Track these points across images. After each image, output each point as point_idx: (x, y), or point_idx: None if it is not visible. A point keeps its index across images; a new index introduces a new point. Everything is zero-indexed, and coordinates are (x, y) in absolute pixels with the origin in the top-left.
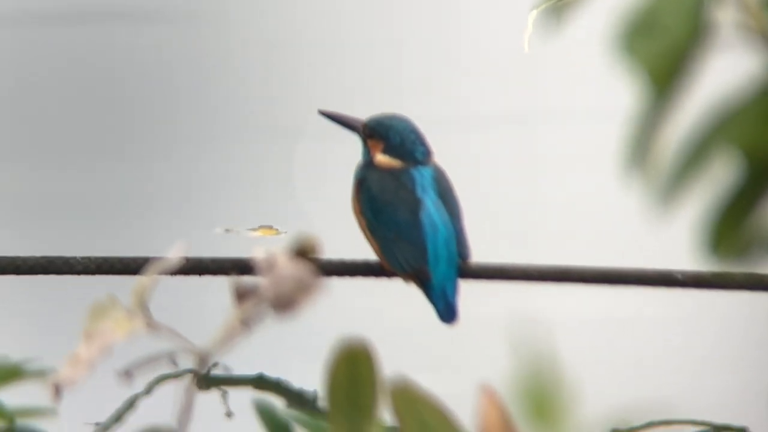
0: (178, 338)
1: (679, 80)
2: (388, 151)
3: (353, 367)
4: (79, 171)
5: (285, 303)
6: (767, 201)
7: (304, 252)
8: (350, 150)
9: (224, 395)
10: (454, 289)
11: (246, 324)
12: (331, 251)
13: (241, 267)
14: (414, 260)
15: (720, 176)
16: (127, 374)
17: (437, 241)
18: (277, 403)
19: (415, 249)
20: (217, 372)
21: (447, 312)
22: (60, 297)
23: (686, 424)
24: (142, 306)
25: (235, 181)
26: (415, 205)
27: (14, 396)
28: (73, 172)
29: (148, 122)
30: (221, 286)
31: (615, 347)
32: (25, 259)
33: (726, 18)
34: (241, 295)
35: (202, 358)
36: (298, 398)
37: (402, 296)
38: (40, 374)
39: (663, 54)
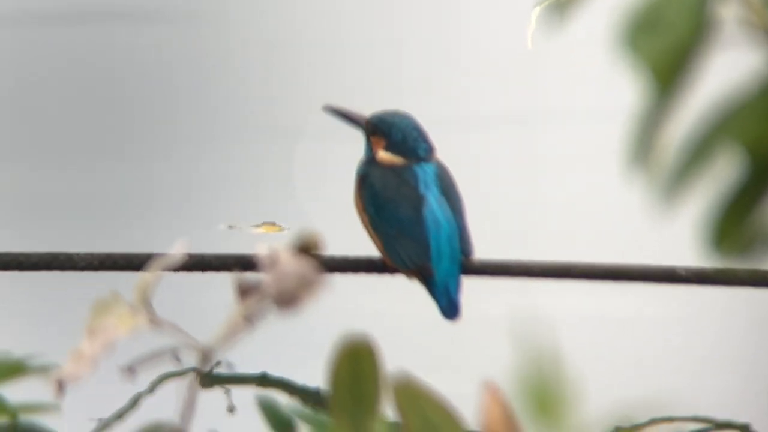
0: (181, 334)
1: (682, 77)
2: (390, 148)
3: (356, 363)
4: (80, 170)
5: (288, 299)
6: None
7: (306, 248)
8: (350, 150)
9: (227, 393)
10: (456, 286)
11: (249, 320)
12: (332, 249)
13: (244, 263)
14: (417, 257)
15: (723, 173)
16: (130, 370)
17: (440, 237)
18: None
19: (417, 245)
20: (220, 369)
21: (450, 308)
22: (63, 293)
23: (688, 421)
24: (145, 302)
25: (236, 180)
26: (418, 201)
27: (17, 392)
28: (74, 171)
29: (149, 121)
30: (224, 282)
31: (617, 345)
32: (28, 256)
33: (729, 15)
34: (244, 291)
35: (205, 354)
36: (301, 395)
37: (403, 295)
38: (43, 370)
39: (666, 51)
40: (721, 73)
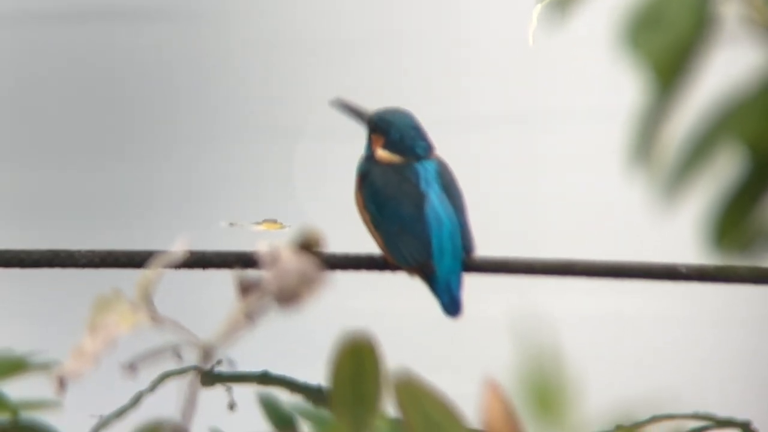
0: (182, 332)
1: (683, 74)
2: (388, 146)
3: (357, 360)
4: (81, 168)
5: (289, 296)
6: None
7: (307, 245)
8: (350, 149)
9: (229, 390)
10: (458, 283)
11: (250, 317)
12: (333, 247)
13: (245, 261)
14: (418, 254)
15: (724, 170)
16: (132, 367)
17: (442, 234)
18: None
19: (419, 242)
20: (221, 367)
21: (452, 305)
22: (64, 291)
23: (689, 419)
24: (147, 299)
25: (236, 178)
26: (420, 198)
27: (18, 389)
28: (76, 169)
29: (150, 120)
30: (225, 279)
31: (617, 342)
32: (29, 253)
33: (730, 12)
34: (245, 288)
35: (206, 351)
36: (303, 392)
37: (404, 293)
38: (44, 367)
39: (667, 48)
40: (723, 71)
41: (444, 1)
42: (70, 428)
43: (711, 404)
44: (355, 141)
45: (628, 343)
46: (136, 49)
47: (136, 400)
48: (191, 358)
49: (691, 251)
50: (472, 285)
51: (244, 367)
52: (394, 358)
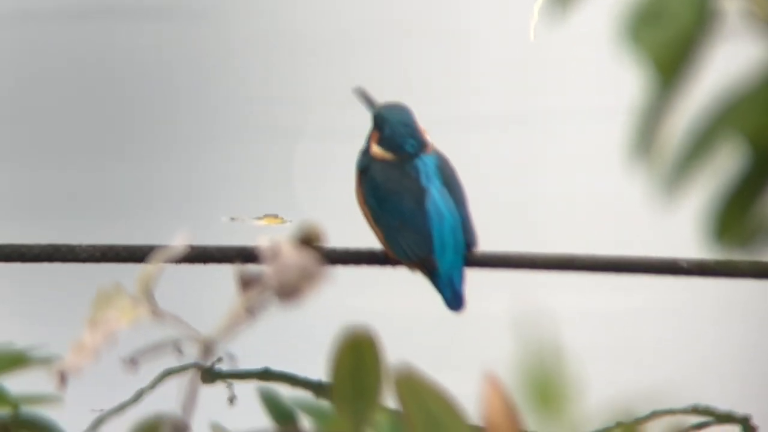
0: (182, 326)
1: (684, 69)
2: (381, 142)
3: (358, 354)
4: (83, 166)
5: (289, 291)
6: None
7: (308, 240)
8: (350, 147)
9: (230, 386)
10: (460, 278)
11: (250, 312)
12: (334, 242)
13: (246, 255)
14: (419, 248)
15: (725, 165)
16: (133, 362)
17: (443, 229)
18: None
19: (420, 237)
20: (222, 362)
21: (454, 300)
22: (65, 285)
23: (689, 414)
24: (147, 294)
25: (237, 174)
26: (420, 193)
27: (19, 383)
28: (77, 167)
29: (151, 117)
30: (226, 274)
31: (618, 338)
32: (30, 247)
33: (731, 6)
34: (246, 283)
35: (207, 346)
36: (304, 388)
37: (405, 291)
38: (45, 362)
39: (669, 43)
40: (724, 65)
41: (445, 1)
42: (70, 423)
43: (711, 399)
44: (354, 139)
45: (629, 339)
46: (137, 48)
47: (137, 398)
48: (192, 352)
49: (691, 246)
50: (473, 282)
51: (245, 362)
52: (396, 355)
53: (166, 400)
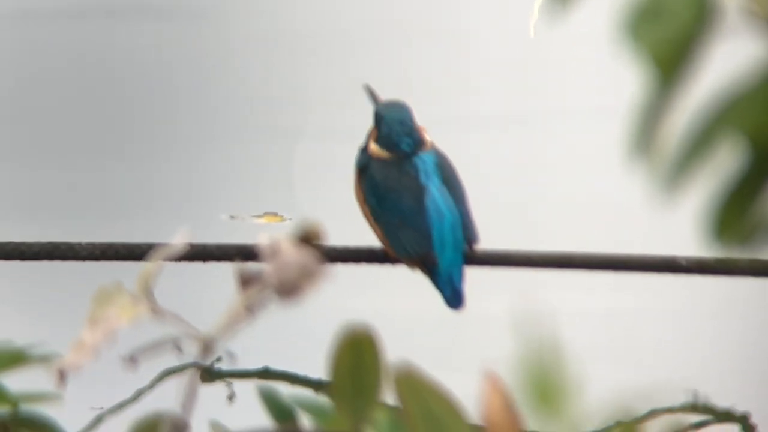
0: (182, 324)
1: (684, 67)
2: (378, 140)
3: (357, 352)
4: (83, 164)
5: (289, 289)
6: None
7: (307, 238)
8: (350, 149)
9: (229, 385)
10: (460, 275)
11: (250, 310)
12: (333, 240)
13: (245, 253)
14: (419, 246)
15: (724, 163)
16: (132, 360)
17: (443, 227)
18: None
19: (419, 235)
20: (222, 360)
21: (454, 298)
22: (64, 283)
23: (688, 411)
24: (147, 292)
25: (237, 172)
26: (420, 191)
27: (18, 381)
28: (77, 165)
29: (151, 116)
30: (226, 272)
31: (618, 337)
32: (30, 245)
33: (731, 4)
34: (246, 281)
35: (207, 344)
36: (303, 386)
37: (405, 291)
38: (44, 359)
39: (668, 40)
40: (724, 63)
41: (446, 1)
42: (70, 421)
43: (710, 397)
44: (354, 139)
45: (628, 338)
46: (137, 48)
47: (136, 397)
48: (191, 351)
49: (691, 244)
50: (473, 282)
51: (245, 361)
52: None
53: (165, 399)
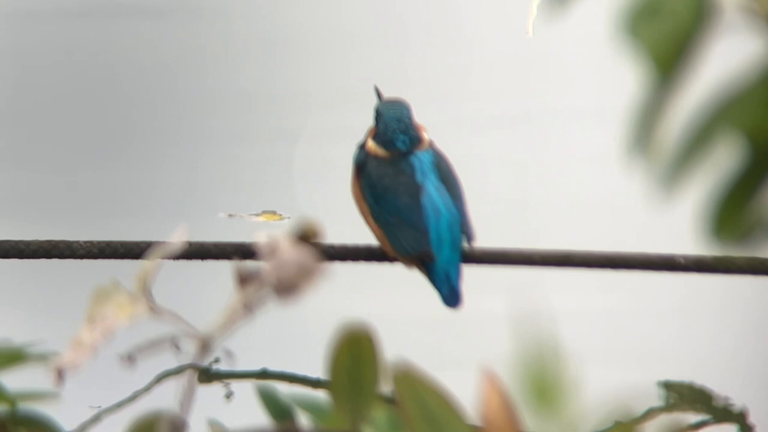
0: (180, 322)
1: (683, 64)
2: (376, 138)
3: (355, 350)
4: (81, 165)
5: (287, 287)
6: None
7: (306, 237)
8: (349, 149)
9: (226, 386)
10: (457, 274)
11: (248, 308)
12: (332, 238)
13: (244, 252)
14: (416, 244)
15: (723, 161)
16: (130, 358)
17: (440, 225)
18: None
19: (416, 233)
20: (220, 356)
21: (451, 297)
22: (62, 281)
23: (687, 411)
24: (145, 290)
25: (235, 170)
26: (416, 189)
27: (17, 380)
28: (76, 165)
29: (150, 115)
30: (224, 270)
31: (616, 337)
32: (27, 243)
33: (730, 2)
34: (244, 279)
35: (205, 343)
36: (302, 384)
37: (403, 293)
38: (42, 358)
39: (667, 38)
40: (722, 61)
41: (447, 1)
42: (68, 419)
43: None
44: (354, 139)
45: (627, 337)
46: (136, 47)
47: (133, 398)
48: (190, 349)
49: (689, 242)
50: (471, 282)
51: (243, 360)
52: (394, 355)
53: (164, 396)
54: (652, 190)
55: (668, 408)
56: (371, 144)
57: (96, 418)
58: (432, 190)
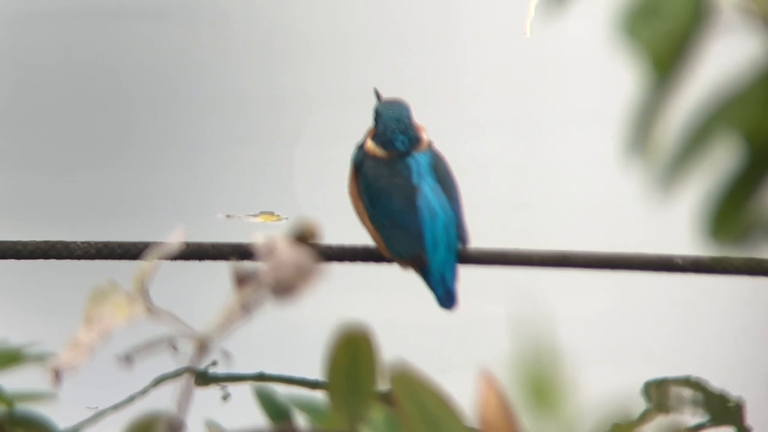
0: (178, 323)
1: (680, 64)
2: (375, 138)
3: (353, 351)
4: (80, 165)
5: (285, 288)
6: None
7: (303, 237)
8: (349, 151)
9: (224, 387)
10: (453, 275)
11: (246, 309)
12: (329, 239)
13: (241, 252)
14: (411, 247)
15: (721, 161)
16: (128, 359)
17: (436, 226)
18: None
19: (411, 236)
20: (217, 358)
21: (447, 298)
22: (60, 282)
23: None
24: (143, 291)
25: (232, 170)
26: (411, 191)
27: (14, 381)
28: (74, 166)
29: (149, 115)
30: (221, 271)
31: (614, 338)
32: (25, 244)
33: (728, 2)
34: (241, 280)
35: (202, 343)
36: (300, 386)
37: (401, 295)
38: (40, 359)
39: (665, 38)
40: (720, 61)
41: (447, 5)
42: (65, 420)
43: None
44: (353, 141)
45: (624, 337)
46: (136, 49)
47: (130, 400)
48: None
49: (687, 243)
50: (469, 284)
51: (240, 361)
52: (392, 356)
53: (162, 397)
54: (650, 191)
55: (666, 409)
56: (370, 144)
57: (94, 419)
58: (428, 192)
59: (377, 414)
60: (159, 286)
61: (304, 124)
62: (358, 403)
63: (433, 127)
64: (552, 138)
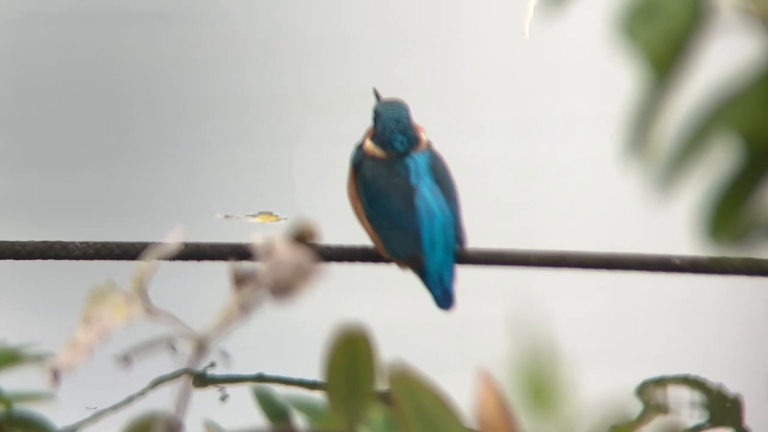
0: (176, 323)
1: (679, 65)
2: (374, 138)
3: (352, 351)
4: (79, 166)
5: (284, 288)
6: (766, 186)
7: (302, 237)
8: (348, 152)
9: (222, 389)
10: (451, 276)
11: (244, 309)
12: (328, 239)
13: (240, 252)
14: (408, 247)
15: (719, 161)
16: (126, 359)
17: (434, 227)
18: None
19: (408, 236)
20: (216, 360)
21: (444, 299)
22: (58, 282)
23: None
24: (141, 291)
25: (231, 171)
26: (410, 192)
27: (12, 381)
28: (73, 166)
29: (148, 116)
30: (220, 271)
31: (611, 337)
32: (23, 244)
33: (726, 2)
34: (240, 280)
35: (201, 343)
36: (298, 387)
37: (399, 295)
38: (38, 359)
39: (664, 38)
40: (719, 61)
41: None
42: (64, 421)
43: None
44: (352, 142)
45: (622, 337)
46: (136, 51)
47: (128, 401)
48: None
49: (685, 243)
50: (468, 284)
51: (238, 361)
52: (391, 356)
53: (160, 398)
54: (649, 191)
55: (664, 409)
56: (369, 144)
57: (92, 420)
58: (426, 192)
59: (376, 414)
60: (157, 287)
61: (304, 124)
62: (356, 403)
63: (433, 127)
64: (550, 138)
